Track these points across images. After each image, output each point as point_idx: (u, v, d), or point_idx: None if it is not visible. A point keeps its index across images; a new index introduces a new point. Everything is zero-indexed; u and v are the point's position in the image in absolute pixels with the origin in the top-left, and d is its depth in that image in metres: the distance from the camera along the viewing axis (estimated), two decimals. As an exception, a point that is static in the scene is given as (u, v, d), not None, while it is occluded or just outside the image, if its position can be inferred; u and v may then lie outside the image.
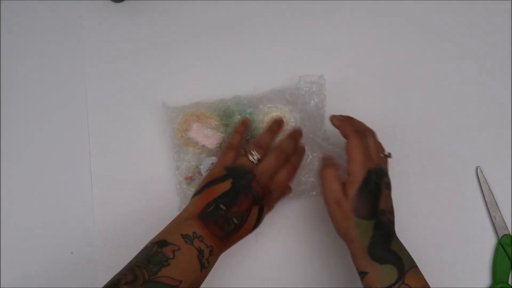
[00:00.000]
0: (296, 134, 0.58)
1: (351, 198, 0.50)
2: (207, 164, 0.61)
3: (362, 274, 0.49)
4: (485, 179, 0.62)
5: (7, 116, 0.67)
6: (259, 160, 0.54)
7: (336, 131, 0.59)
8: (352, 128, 0.53)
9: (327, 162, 0.55)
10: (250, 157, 0.54)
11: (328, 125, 0.62)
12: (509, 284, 0.59)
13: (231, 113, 0.61)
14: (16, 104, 0.67)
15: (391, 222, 0.51)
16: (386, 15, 0.69)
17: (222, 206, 0.50)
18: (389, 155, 0.55)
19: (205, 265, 0.48)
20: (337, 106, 0.63)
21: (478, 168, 0.63)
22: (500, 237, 0.60)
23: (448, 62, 0.67)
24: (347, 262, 0.61)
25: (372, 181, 0.50)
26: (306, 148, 0.62)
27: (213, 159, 0.61)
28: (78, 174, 0.64)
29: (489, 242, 0.61)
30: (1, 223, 0.64)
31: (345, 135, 0.54)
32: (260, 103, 0.61)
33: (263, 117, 0.62)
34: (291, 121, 0.61)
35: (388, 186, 0.52)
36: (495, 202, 0.61)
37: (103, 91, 0.67)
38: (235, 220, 0.50)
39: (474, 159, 0.63)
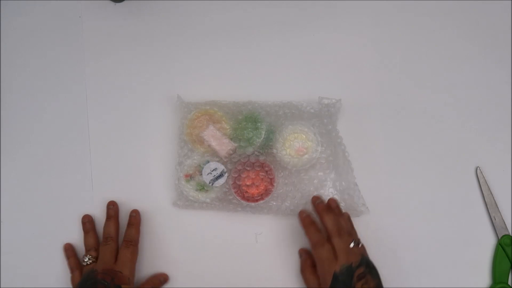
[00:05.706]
0: (132, 220, 0.61)
1: None
2: (209, 168, 0.61)
3: None
4: (485, 180, 0.62)
5: (7, 116, 0.67)
6: (96, 258, 0.58)
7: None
8: (312, 240, 0.56)
9: (303, 257, 0.60)
10: (84, 264, 0.58)
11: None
12: (508, 285, 0.59)
13: (244, 128, 0.61)
14: (16, 105, 0.67)
15: None
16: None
17: None
18: (358, 245, 0.55)
19: None
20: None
21: (478, 168, 0.63)
22: (499, 238, 0.60)
23: (448, 62, 0.66)
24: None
25: (339, 281, 0.52)
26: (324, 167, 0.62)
27: (217, 165, 0.61)
28: (78, 166, 0.65)
29: (489, 242, 0.61)
30: (1, 223, 0.64)
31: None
32: (275, 113, 0.62)
33: (286, 134, 0.61)
34: (313, 145, 0.61)
35: (363, 276, 0.52)
36: (495, 202, 0.61)
37: (102, 90, 0.67)
38: None
39: (474, 159, 0.63)
